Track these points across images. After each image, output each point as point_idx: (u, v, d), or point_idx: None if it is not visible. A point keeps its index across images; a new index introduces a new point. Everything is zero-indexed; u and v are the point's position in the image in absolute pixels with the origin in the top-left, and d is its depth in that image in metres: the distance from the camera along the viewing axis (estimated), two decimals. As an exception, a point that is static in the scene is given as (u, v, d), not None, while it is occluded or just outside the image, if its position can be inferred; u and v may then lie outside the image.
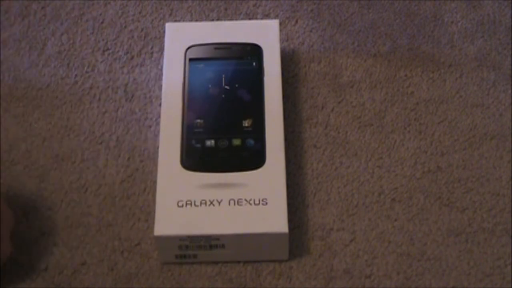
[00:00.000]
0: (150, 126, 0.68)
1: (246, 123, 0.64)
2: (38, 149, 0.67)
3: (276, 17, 0.75)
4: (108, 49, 0.73)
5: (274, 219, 0.59)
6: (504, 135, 0.67)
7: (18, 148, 0.67)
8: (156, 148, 0.66)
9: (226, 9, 0.76)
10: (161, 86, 0.70)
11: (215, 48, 0.68)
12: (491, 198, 0.64)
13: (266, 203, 0.59)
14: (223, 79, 0.66)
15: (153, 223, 0.63)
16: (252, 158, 0.62)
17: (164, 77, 0.66)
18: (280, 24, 0.74)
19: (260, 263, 0.61)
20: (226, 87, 0.66)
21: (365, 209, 0.63)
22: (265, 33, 0.69)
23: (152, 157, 0.66)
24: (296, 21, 0.75)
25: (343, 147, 0.67)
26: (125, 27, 0.75)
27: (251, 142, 0.63)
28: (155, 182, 0.65)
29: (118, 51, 0.73)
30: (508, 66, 0.71)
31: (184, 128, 0.63)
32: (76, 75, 0.71)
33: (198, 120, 0.64)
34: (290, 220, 0.62)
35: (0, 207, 0.57)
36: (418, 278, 0.60)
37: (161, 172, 0.61)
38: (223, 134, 0.63)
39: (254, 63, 0.67)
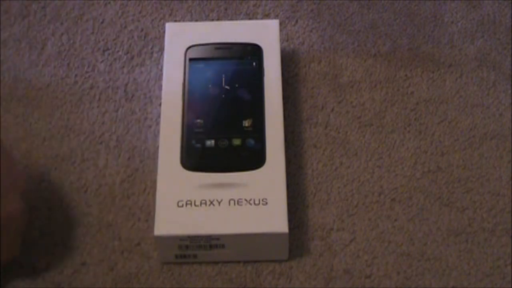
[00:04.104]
0: (150, 126, 0.68)
1: (246, 123, 0.64)
2: (38, 149, 0.67)
3: (276, 17, 0.75)
4: (108, 49, 0.73)
5: (274, 219, 0.59)
6: (504, 135, 0.67)
7: (18, 148, 0.67)
8: (156, 148, 0.66)
9: (226, 9, 0.76)
10: (161, 86, 0.70)
11: (215, 48, 0.68)
12: (491, 198, 0.64)
13: (266, 203, 0.59)
14: (223, 79, 0.66)
15: (153, 223, 0.63)
16: (252, 158, 0.62)
17: (164, 77, 0.66)
18: (280, 24, 0.74)
19: (260, 263, 0.61)
20: (226, 87, 0.66)
21: (365, 209, 0.63)
22: (265, 33, 0.69)
23: (152, 157, 0.66)
24: (296, 21, 0.75)
25: (343, 147, 0.67)
26: (125, 27, 0.75)
27: (251, 142, 0.63)
28: (155, 182, 0.65)
29: (118, 51, 0.73)
30: (508, 66, 0.71)
31: (184, 128, 0.63)
32: (76, 75, 0.71)
33: (198, 120, 0.64)
34: (290, 220, 0.62)
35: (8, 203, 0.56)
36: (418, 278, 0.60)
37: (161, 172, 0.61)
38: (223, 134, 0.63)
39: (254, 63, 0.67)
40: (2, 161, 0.56)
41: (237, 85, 0.66)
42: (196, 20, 0.75)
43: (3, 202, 0.55)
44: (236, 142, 0.63)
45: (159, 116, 0.68)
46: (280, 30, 0.74)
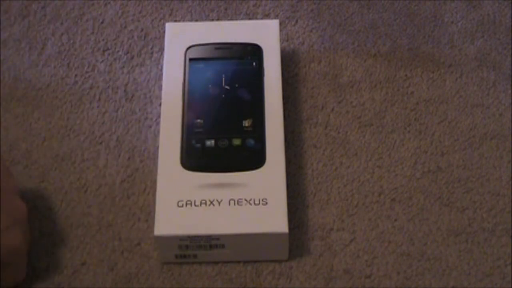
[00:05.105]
0: (150, 126, 0.68)
1: (246, 123, 0.64)
2: (38, 149, 0.67)
3: (276, 17, 0.75)
4: (108, 49, 0.73)
5: (274, 219, 0.59)
6: (504, 135, 0.67)
7: (18, 148, 0.67)
8: (156, 148, 0.66)
9: (226, 9, 0.76)
10: (161, 86, 0.70)
11: (215, 48, 0.68)
12: (491, 198, 0.64)
13: (266, 203, 0.59)
14: (223, 79, 0.66)
15: (153, 223, 0.63)
16: (252, 158, 0.62)
17: (164, 77, 0.66)
18: (280, 24, 0.74)
19: (260, 263, 0.61)
20: (226, 87, 0.66)
21: (365, 209, 0.63)
22: (265, 33, 0.69)
23: (152, 157, 0.66)
24: (296, 21, 0.75)
25: (343, 147, 0.67)
26: (125, 27, 0.75)
27: (251, 142, 0.63)
28: (155, 182, 0.65)
29: (118, 51, 0.73)
30: (508, 66, 0.71)
31: (184, 128, 0.63)
32: (76, 75, 0.71)
33: (198, 120, 0.64)
34: (290, 220, 0.62)
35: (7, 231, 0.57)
36: (418, 278, 0.60)
37: (161, 172, 0.61)
38: (223, 134, 0.63)
39: (254, 63, 0.67)
40: (2, 198, 0.56)
41: (237, 85, 0.66)
42: (196, 20, 0.75)
43: (3, 238, 0.55)
44: (236, 142, 0.63)
45: (159, 116, 0.68)
46: (280, 30, 0.73)
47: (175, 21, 0.75)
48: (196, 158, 0.62)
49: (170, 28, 0.69)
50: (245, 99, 0.65)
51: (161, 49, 0.73)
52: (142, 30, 0.74)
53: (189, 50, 0.68)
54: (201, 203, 0.59)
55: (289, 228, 0.62)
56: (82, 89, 0.70)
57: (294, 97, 0.70)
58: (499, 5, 0.76)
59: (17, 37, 0.74)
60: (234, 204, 0.59)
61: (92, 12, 0.76)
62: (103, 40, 0.74)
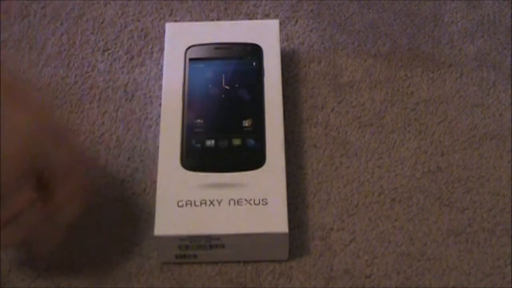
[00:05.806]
0: (150, 126, 0.68)
1: (246, 123, 0.64)
2: (38, 149, 0.67)
3: (276, 17, 0.75)
4: (108, 49, 0.73)
5: (274, 219, 0.59)
6: (504, 135, 0.67)
7: (18, 148, 0.67)
8: (156, 148, 0.66)
9: (226, 9, 0.75)
10: (161, 86, 0.70)
11: (215, 48, 0.68)
12: (491, 198, 0.64)
13: (266, 203, 0.59)
14: (223, 79, 0.66)
15: (153, 223, 0.62)
16: (252, 158, 0.62)
17: (164, 77, 0.66)
18: (280, 24, 0.74)
19: (260, 263, 0.61)
20: (226, 87, 0.66)
21: (365, 209, 0.63)
22: (265, 33, 0.69)
23: (152, 157, 0.66)
24: (296, 21, 0.75)
25: (343, 147, 0.67)
26: (125, 27, 0.75)
27: (251, 142, 0.63)
28: (155, 182, 0.65)
29: (118, 51, 0.73)
30: (508, 66, 0.71)
31: (184, 128, 0.63)
32: (76, 75, 0.71)
33: (198, 120, 0.64)
34: (290, 220, 0.62)
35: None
36: (418, 278, 0.60)
37: (161, 172, 0.61)
38: (223, 134, 0.63)
39: (254, 63, 0.67)
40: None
41: (237, 85, 0.66)
42: (196, 20, 0.75)
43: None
44: (236, 142, 0.63)
45: (159, 116, 0.68)
46: (280, 30, 0.73)
47: (175, 21, 0.75)
48: (196, 158, 0.62)
49: (170, 28, 0.69)
50: (245, 99, 0.65)
51: (161, 49, 0.73)
52: (142, 30, 0.74)
53: (189, 50, 0.68)
54: (201, 203, 0.59)
55: (289, 228, 0.62)
56: (82, 89, 0.70)
57: (294, 97, 0.70)
58: (499, 5, 0.76)
59: (17, 37, 0.74)
60: (234, 204, 0.59)
61: (92, 12, 0.76)
62: (103, 40, 0.74)
